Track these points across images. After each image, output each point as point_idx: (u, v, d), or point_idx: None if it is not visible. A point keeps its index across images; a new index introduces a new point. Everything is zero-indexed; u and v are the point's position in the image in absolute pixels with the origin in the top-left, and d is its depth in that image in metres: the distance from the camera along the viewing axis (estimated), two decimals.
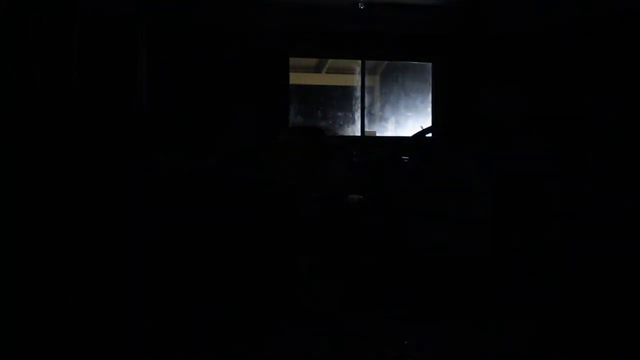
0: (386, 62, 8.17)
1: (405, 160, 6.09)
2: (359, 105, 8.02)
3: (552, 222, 6.08)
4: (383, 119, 8.26)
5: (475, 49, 8.01)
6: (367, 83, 8.03)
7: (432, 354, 4.74)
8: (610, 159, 5.89)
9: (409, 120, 8.32)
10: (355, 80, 8.03)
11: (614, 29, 6.21)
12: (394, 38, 7.88)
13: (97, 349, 4.30)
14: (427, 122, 8.14)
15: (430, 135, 7.71)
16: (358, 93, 8.03)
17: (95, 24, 4.53)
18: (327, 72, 8.59)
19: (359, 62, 7.99)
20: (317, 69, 8.92)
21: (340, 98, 8.03)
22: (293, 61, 7.62)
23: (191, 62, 7.08)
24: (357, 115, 8.02)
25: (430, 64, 8.27)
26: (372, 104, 8.15)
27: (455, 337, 4.71)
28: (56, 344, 4.09)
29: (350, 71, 8.08)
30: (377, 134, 8.07)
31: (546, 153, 6.73)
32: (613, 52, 6.23)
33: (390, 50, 7.95)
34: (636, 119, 5.79)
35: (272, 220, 5.60)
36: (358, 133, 7.96)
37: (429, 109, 8.35)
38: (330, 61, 7.95)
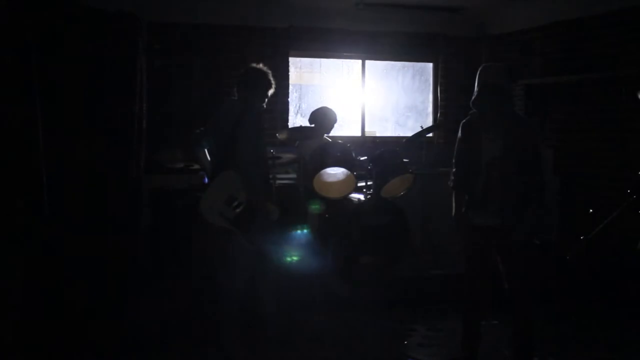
0: (386, 62, 8.15)
1: (406, 161, 6.07)
2: (359, 105, 8.00)
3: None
4: (383, 119, 8.24)
5: (475, 48, 8.01)
6: (367, 83, 8.01)
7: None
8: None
9: (409, 120, 8.31)
10: (355, 80, 8.01)
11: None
12: (394, 38, 7.86)
13: None
14: (427, 122, 8.14)
15: (430, 135, 7.70)
16: (358, 93, 8.01)
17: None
18: (327, 72, 8.55)
19: (359, 62, 7.97)
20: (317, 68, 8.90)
21: (340, 98, 8.00)
22: (293, 60, 7.62)
23: (189, 60, 7.06)
24: (357, 115, 8.00)
25: (430, 64, 8.26)
26: (372, 104, 8.12)
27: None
28: None
29: (349, 71, 8.06)
30: (377, 134, 8.05)
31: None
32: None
33: (390, 50, 7.94)
34: None
35: None
36: (358, 133, 7.94)
37: (429, 109, 8.34)
38: (330, 61, 7.93)
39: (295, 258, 5.44)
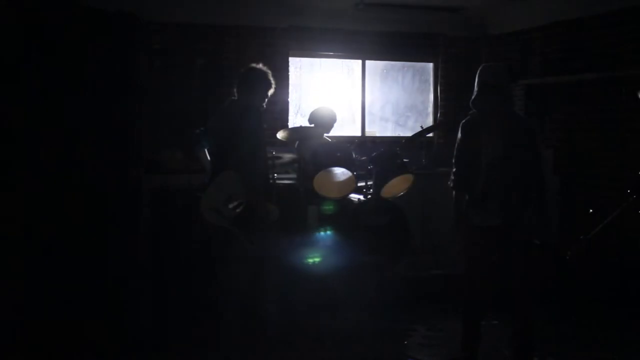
0: (386, 62, 8.15)
1: (406, 161, 6.08)
2: (359, 105, 8.00)
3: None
4: (383, 118, 8.24)
5: (475, 48, 8.01)
6: (367, 83, 8.02)
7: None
8: None
9: (409, 120, 8.31)
10: (355, 80, 8.01)
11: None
12: (394, 38, 7.87)
13: None
14: (427, 122, 8.13)
15: (430, 135, 7.71)
16: (358, 93, 8.01)
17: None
18: (327, 72, 8.54)
19: (359, 62, 7.97)
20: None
21: (341, 98, 8.00)
22: (293, 60, 7.62)
23: (189, 60, 7.06)
24: (357, 115, 8.00)
25: (430, 64, 8.26)
26: (372, 104, 8.13)
27: None
28: None
29: (349, 71, 8.06)
30: (377, 134, 8.05)
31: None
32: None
33: (390, 50, 7.94)
34: None
35: None
36: (358, 133, 7.94)
37: (429, 109, 8.34)
38: (330, 60, 7.93)
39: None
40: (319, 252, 5.51)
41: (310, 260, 5.47)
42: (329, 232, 5.61)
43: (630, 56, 6.02)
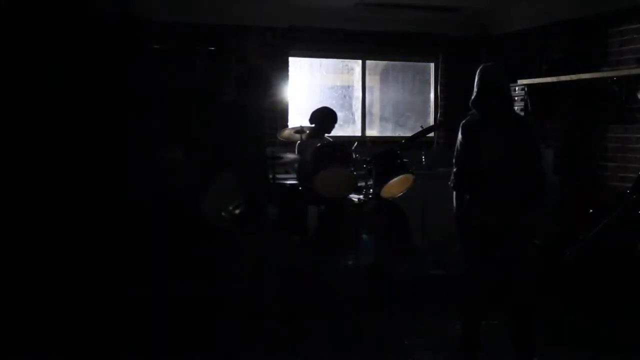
0: (386, 62, 8.16)
1: (406, 161, 6.08)
2: (359, 105, 8.01)
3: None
4: (383, 119, 8.24)
5: (475, 48, 8.01)
6: (367, 83, 8.02)
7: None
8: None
9: (409, 120, 8.31)
10: (355, 80, 8.02)
11: None
12: (394, 38, 7.87)
13: None
14: (427, 122, 8.13)
15: (430, 135, 7.70)
16: (358, 93, 8.01)
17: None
18: (327, 72, 8.55)
19: (359, 62, 7.97)
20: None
21: (341, 98, 8.01)
22: (293, 60, 7.62)
23: (190, 60, 7.06)
24: (357, 115, 8.00)
25: (430, 64, 8.27)
26: (372, 104, 8.13)
27: None
28: None
29: (349, 71, 8.06)
30: (377, 134, 8.05)
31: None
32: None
33: (390, 50, 7.95)
34: None
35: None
36: (358, 133, 7.94)
37: (429, 109, 8.34)
38: (330, 61, 7.94)
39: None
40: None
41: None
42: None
43: (630, 56, 6.02)
